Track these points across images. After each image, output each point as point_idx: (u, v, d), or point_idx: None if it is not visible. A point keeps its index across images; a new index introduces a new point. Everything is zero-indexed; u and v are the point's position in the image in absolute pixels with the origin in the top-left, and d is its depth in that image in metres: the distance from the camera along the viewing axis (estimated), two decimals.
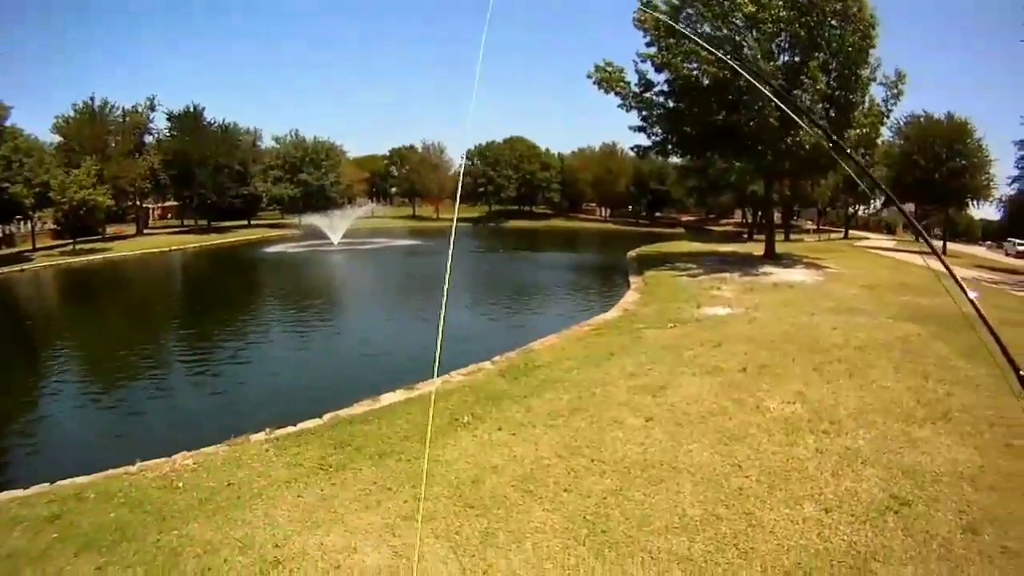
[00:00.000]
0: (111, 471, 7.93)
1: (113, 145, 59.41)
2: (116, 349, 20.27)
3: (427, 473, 7.18)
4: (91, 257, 47.36)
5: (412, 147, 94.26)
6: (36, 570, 5.69)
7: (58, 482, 7.80)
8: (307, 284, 34.40)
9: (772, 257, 30.17)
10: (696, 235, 55.85)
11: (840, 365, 10.47)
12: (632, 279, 25.19)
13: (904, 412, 8.14)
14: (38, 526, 6.57)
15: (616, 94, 30.12)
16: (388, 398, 10.42)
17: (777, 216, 36.96)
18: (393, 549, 5.60)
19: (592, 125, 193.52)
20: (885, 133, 31.29)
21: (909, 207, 49.66)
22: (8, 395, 15.61)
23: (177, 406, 14.03)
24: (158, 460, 8.16)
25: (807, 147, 25.33)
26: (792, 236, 49.43)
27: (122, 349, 20.08)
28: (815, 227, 57.54)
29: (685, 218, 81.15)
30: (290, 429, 9.15)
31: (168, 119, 67.69)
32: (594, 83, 29.91)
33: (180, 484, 7.35)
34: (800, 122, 22.85)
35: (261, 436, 8.85)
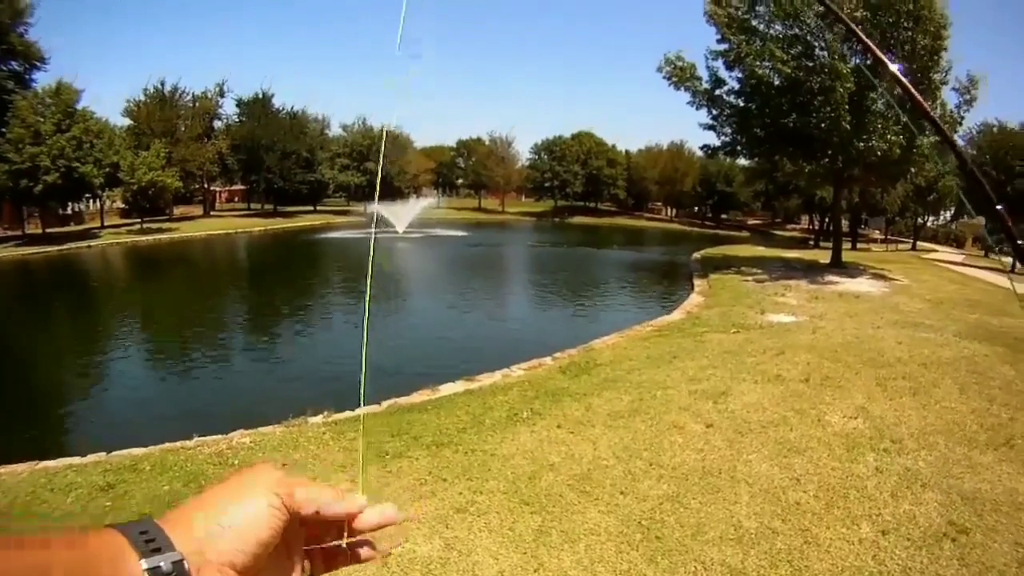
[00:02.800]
0: (168, 444, 8.22)
1: (183, 129, 61.11)
2: (177, 326, 20.97)
3: (479, 466, 7.25)
4: (158, 236, 48.96)
5: (479, 139, 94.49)
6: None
7: (114, 452, 8.09)
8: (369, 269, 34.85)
9: (838, 265, 29.47)
10: (762, 239, 54.80)
11: (904, 382, 10.22)
12: (696, 281, 24.98)
13: (966, 435, 7.92)
14: (92, 494, 6.83)
15: (687, 90, 29.55)
16: (447, 388, 10.61)
17: (844, 224, 36.18)
18: (445, 541, 5.66)
19: (659, 121, 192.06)
20: (958, 142, 30.24)
21: (980, 220, 48.05)
22: (68, 367, 16.28)
23: (235, 384, 14.47)
24: (215, 436, 8.45)
25: (879, 153, 24.67)
26: (859, 245, 48.34)
27: (183, 326, 20.77)
28: (883, 236, 56.15)
29: (751, 221, 79.82)
30: (348, 413, 9.28)
31: (237, 104, 69.53)
32: (664, 77, 29.29)
33: (235, 461, 7.56)
34: (873, 123, 22.33)
35: (318, 419, 9.04)
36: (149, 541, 0.67)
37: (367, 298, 1.00)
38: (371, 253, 0.93)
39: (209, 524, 0.71)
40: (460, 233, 53.52)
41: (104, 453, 8.10)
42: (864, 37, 1.19)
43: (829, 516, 5.94)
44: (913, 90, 1.10)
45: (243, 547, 0.71)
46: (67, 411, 13.38)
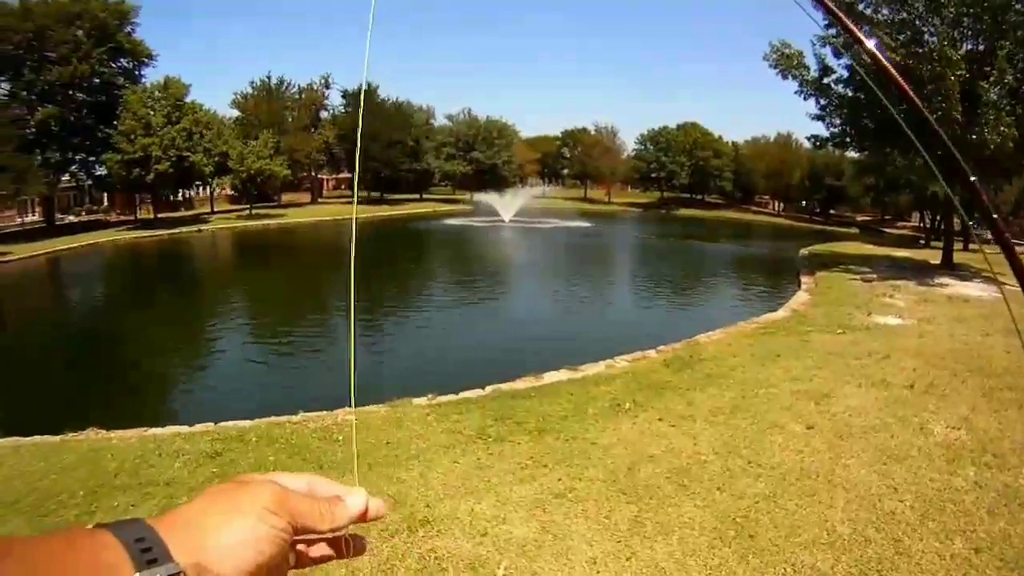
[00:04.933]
0: (274, 418, 8.76)
1: (290, 120, 63.89)
2: (286, 306, 21.92)
3: (579, 453, 7.48)
4: (266, 222, 51.41)
5: (585, 129, 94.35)
6: (192, 498, 6.29)
7: (222, 423, 8.68)
8: (476, 258, 35.44)
9: (949, 267, 28.29)
10: (870, 236, 52.73)
11: (1010, 393, 9.91)
12: (803, 279, 24.48)
13: None
14: (199, 460, 7.35)
15: (794, 79, 28.45)
16: (551, 376, 10.89)
17: (957, 222, 34.40)
18: (542, 524, 5.92)
19: (766, 112, 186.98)
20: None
21: None
22: (181, 343, 17.39)
23: (343, 364, 15.07)
24: (320, 412, 8.94)
25: (991, 147, 23.41)
26: (971, 246, 45.87)
27: (291, 306, 21.70)
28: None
29: (860, 217, 76.56)
30: (452, 397, 9.78)
31: (343, 96, 71.95)
32: (770, 66, 28.22)
33: (339, 437, 7.99)
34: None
35: (423, 400, 9.48)
36: (145, 551, 0.62)
37: (351, 296, 1.13)
38: (352, 245, 0.87)
39: (209, 538, 0.67)
40: (568, 224, 53.67)
41: (212, 424, 8.72)
42: (842, 15, 1.32)
43: (923, 528, 5.90)
44: (894, 71, 1.18)
45: (245, 567, 0.67)
46: (177, 384, 14.39)
